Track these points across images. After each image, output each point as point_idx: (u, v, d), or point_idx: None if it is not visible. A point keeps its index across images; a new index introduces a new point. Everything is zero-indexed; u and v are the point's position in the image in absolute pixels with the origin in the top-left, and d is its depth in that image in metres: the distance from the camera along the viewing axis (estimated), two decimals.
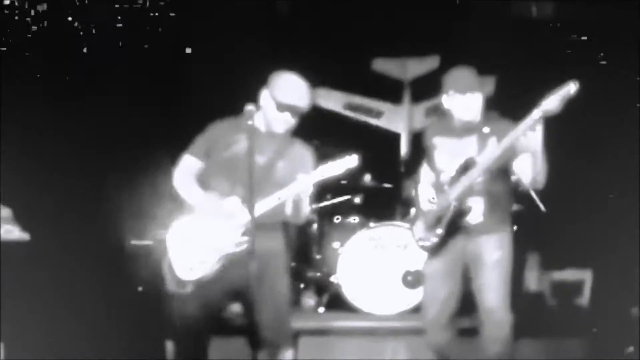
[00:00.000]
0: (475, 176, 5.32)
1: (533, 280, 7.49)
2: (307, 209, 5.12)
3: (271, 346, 5.14)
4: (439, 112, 7.19)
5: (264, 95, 5.12)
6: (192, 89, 7.69)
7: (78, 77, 7.57)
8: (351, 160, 5.09)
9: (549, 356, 6.55)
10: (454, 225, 5.40)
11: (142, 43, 7.71)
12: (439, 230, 5.41)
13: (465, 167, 5.39)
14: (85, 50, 7.60)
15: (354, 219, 7.39)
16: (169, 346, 5.42)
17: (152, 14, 7.73)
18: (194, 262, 5.04)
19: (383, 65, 8.41)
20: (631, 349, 6.39)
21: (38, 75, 7.46)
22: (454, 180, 5.38)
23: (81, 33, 7.61)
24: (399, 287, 7.03)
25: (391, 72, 8.42)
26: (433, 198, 5.46)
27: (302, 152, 5.19)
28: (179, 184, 5.19)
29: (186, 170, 5.19)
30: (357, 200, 7.46)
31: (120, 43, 7.65)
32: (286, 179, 5.04)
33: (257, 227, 4.73)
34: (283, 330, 5.17)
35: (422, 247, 5.51)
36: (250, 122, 4.86)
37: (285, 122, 5.10)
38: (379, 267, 7.09)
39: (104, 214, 7.25)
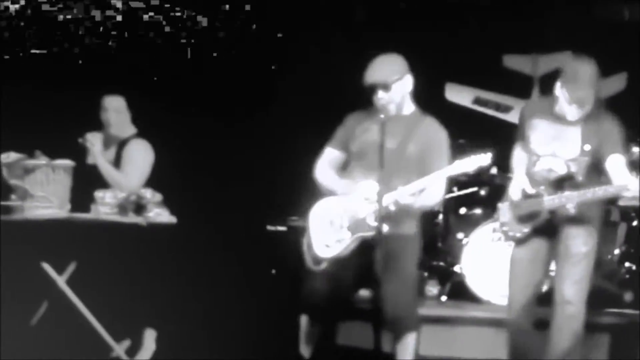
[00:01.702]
0: (574, 200, 5.15)
1: None
2: (437, 197, 5.14)
3: (396, 329, 5.12)
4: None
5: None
6: (328, 81, 7.63)
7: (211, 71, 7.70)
8: (485, 159, 5.04)
9: None
10: (546, 221, 5.25)
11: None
12: (529, 226, 5.26)
13: (564, 180, 5.21)
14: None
15: (479, 210, 7.24)
16: (303, 321, 5.43)
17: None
18: (330, 240, 5.11)
19: (513, 62, 8.17)
20: None
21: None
22: (551, 188, 5.20)
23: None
24: None
25: (522, 68, 8.17)
26: (526, 193, 5.24)
27: (433, 131, 5.17)
28: (320, 176, 5.27)
29: (327, 162, 5.28)
30: (483, 192, 7.24)
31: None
32: (417, 160, 5.06)
33: (394, 212, 4.92)
34: (409, 313, 5.13)
35: (508, 236, 5.35)
36: (382, 116, 4.97)
37: (383, 99, 5.09)
38: (502, 259, 6.84)
39: (243, 201, 7.33)
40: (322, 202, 5.22)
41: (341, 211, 5.10)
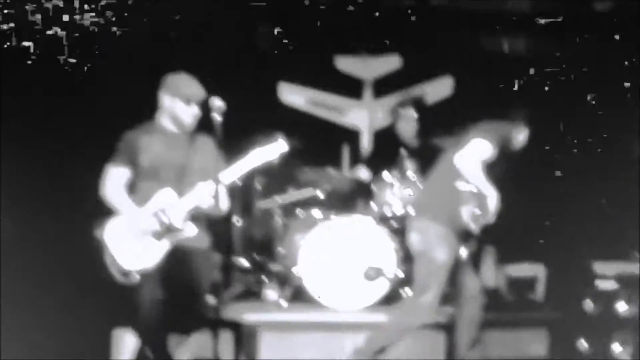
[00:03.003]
0: None
1: (490, 275, 7.13)
2: (225, 202, 5.15)
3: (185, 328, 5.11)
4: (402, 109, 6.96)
5: (167, 97, 5.19)
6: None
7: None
8: (281, 145, 5.06)
9: (508, 349, 6.34)
10: None
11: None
12: None
13: None
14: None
15: (316, 213, 6.94)
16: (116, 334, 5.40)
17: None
18: (137, 250, 5.01)
19: (345, 64, 8.02)
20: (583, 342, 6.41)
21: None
22: None
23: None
24: (360, 281, 6.61)
25: (353, 71, 8.04)
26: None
27: (209, 143, 5.17)
28: (109, 196, 5.17)
29: (114, 181, 5.18)
30: (319, 194, 7.01)
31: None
32: (202, 171, 5.08)
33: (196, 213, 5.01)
34: (196, 314, 5.08)
35: None
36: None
37: (194, 114, 5.17)
38: (340, 260, 6.67)
39: (72, 206, 6.91)
40: (118, 216, 5.13)
41: (143, 220, 5.04)
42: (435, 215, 5.55)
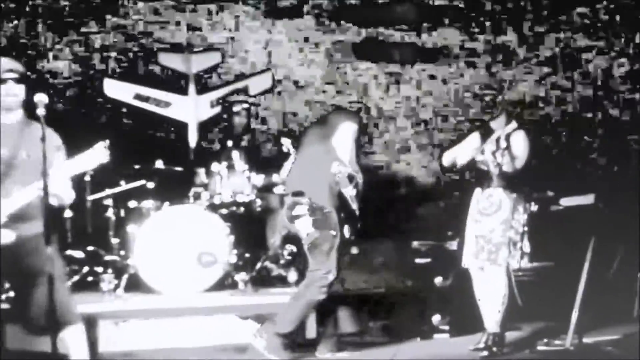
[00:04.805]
0: None
1: None
2: (68, 193, 4.75)
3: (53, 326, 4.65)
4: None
5: None
6: None
7: None
8: (102, 154, 4.66)
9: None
10: None
11: None
12: None
13: None
14: None
15: (149, 203, 6.87)
16: None
17: None
18: None
19: (168, 60, 7.98)
20: None
21: None
22: None
23: None
24: (194, 267, 6.61)
25: (176, 66, 8.01)
26: None
27: (42, 132, 4.68)
28: None
29: None
30: (150, 185, 6.94)
31: None
32: (34, 163, 4.62)
33: (19, 216, 4.60)
34: (65, 308, 4.70)
35: None
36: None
37: (12, 92, 4.66)
38: (174, 248, 6.65)
39: None
40: None
41: None
42: (317, 197, 5.64)
